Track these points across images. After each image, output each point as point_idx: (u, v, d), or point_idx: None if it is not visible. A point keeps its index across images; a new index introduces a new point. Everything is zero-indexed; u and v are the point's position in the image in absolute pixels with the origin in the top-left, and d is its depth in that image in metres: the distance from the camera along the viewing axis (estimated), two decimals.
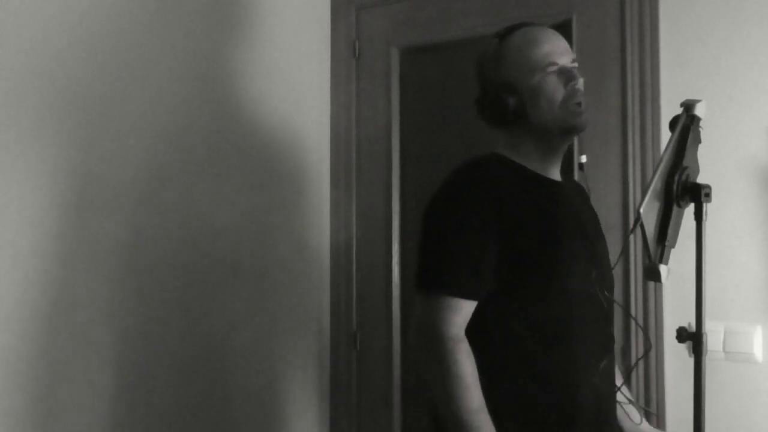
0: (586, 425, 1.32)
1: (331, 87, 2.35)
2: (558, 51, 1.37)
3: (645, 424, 1.49)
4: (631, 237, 1.86)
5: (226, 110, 1.94)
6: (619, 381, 1.45)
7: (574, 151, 1.92)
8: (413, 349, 1.34)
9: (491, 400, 1.27)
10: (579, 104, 1.35)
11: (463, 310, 1.29)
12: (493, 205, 1.30)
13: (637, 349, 1.85)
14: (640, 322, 1.84)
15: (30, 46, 1.47)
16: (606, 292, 1.37)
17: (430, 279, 1.33)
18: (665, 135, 1.74)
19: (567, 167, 1.51)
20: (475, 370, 1.26)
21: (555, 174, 1.43)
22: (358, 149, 2.31)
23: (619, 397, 1.42)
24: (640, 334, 1.84)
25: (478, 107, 1.43)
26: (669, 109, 1.81)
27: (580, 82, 1.37)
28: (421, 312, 1.32)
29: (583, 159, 1.48)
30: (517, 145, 1.41)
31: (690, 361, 1.24)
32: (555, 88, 1.35)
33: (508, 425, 1.29)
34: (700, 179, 1.20)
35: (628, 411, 1.45)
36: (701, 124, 1.23)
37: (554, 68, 1.35)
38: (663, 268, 1.14)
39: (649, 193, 1.12)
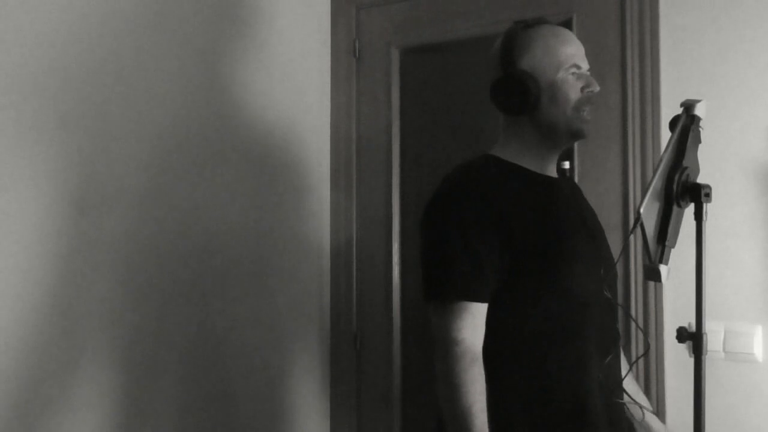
0: (595, 422, 1.31)
1: (331, 87, 2.35)
2: (581, 55, 1.39)
3: (648, 418, 1.48)
4: (631, 237, 1.86)
5: (227, 110, 1.94)
6: (624, 372, 1.43)
7: (574, 150, 1.93)
8: (430, 354, 1.34)
9: (499, 398, 1.28)
10: (588, 111, 1.37)
11: (472, 313, 1.28)
12: (490, 204, 1.30)
13: (637, 348, 1.85)
14: (640, 321, 1.84)
15: (31, 46, 1.47)
16: (610, 286, 1.37)
17: (437, 288, 1.32)
18: (665, 135, 1.74)
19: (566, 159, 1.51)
20: (482, 378, 1.26)
21: (551, 171, 1.43)
22: (358, 149, 2.31)
23: (625, 396, 1.42)
24: (640, 333, 1.84)
25: (495, 90, 1.38)
26: (669, 109, 1.81)
27: (596, 91, 1.37)
28: (434, 322, 1.32)
29: (566, 165, 1.48)
30: (518, 139, 1.39)
31: (690, 361, 1.24)
32: (573, 89, 1.35)
33: (516, 423, 1.29)
34: (700, 179, 1.20)
35: (630, 408, 1.45)
36: (701, 124, 1.23)
37: (576, 70, 1.37)
38: (663, 268, 1.14)
39: (649, 193, 1.12)
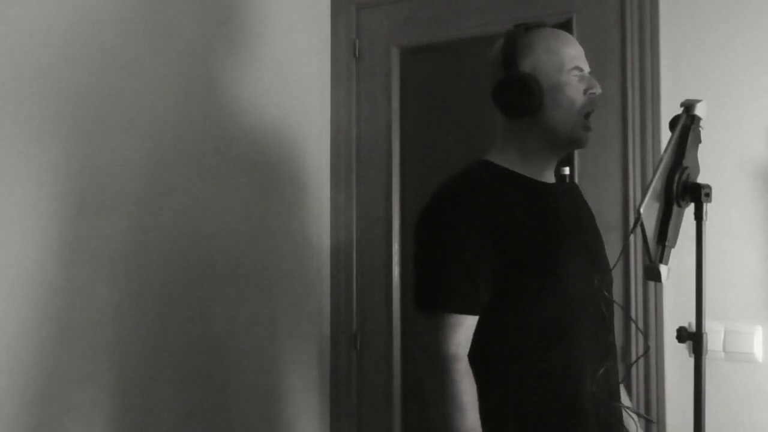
0: (590, 423, 1.31)
1: (331, 87, 2.35)
2: (582, 57, 1.38)
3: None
4: (631, 237, 1.86)
5: (226, 111, 1.94)
6: (620, 391, 1.43)
7: (574, 151, 1.93)
8: (419, 366, 1.34)
9: (491, 400, 1.28)
10: (591, 114, 1.36)
11: (464, 326, 1.29)
12: (484, 214, 1.29)
13: (637, 349, 1.85)
14: (640, 322, 1.84)
15: (30, 46, 1.47)
16: (606, 293, 1.36)
17: (429, 298, 1.32)
18: (665, 135, 1.75)
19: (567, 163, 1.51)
20: (474, 390, 1.26)
21: (548, 177, 1.42)
22: (358, 149, 2.31)
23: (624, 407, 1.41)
24: (640, 334, 1.84)
25: (497, 92, 1.36)
26: (669, 109, 1.81)
27: (599, 92, 1.36)
28: (423, 331, 1.32)
29: (566, 171, 1.47)
30: (516, 144, 1.38)
31: (690, 361, 1.24)
32: (576, 91, 1.34)
33: (508, 425, 1.29)
34: (700, 179, 1.20)
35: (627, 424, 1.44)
36: (701, 124, 1.23)
37: (579, 72, 1.36)
38: (663, 268, 1.14)
39: (649, 193, 1.12)
